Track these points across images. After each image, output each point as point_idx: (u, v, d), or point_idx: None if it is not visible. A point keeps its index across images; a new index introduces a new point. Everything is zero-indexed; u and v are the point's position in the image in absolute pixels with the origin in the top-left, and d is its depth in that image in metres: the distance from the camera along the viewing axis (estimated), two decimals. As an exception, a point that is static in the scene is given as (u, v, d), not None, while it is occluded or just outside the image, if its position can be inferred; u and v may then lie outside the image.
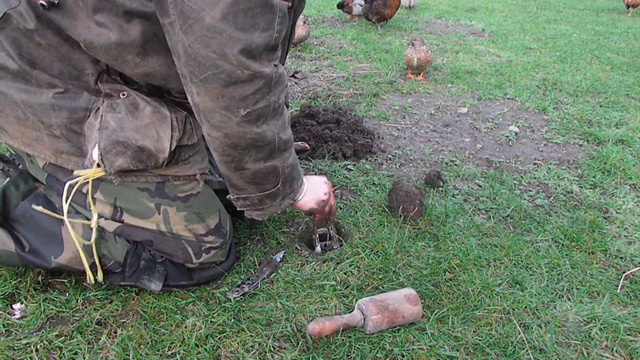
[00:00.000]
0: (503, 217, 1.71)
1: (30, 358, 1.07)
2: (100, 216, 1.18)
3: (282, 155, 1.15)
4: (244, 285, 1.29)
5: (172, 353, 1.10)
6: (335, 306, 1.25)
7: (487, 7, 6.14)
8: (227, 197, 1.25)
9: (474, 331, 1.20)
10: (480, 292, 1.32)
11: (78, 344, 1.11)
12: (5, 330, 1.14)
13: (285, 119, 1.13)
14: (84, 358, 1.08)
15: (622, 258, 1.52)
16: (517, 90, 3.02)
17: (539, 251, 1.53)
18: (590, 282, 1.40)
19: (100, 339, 1.13)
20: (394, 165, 2.05)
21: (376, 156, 2.10)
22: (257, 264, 1.39)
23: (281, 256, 1.41)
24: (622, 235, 1.64)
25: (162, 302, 1.23)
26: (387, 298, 1.19)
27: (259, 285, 1.31)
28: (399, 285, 1.33)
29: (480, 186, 1.91)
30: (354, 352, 1.12)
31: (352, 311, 1.21)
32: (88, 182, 1.13)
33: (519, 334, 1.20)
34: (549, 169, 2.07)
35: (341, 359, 1.11)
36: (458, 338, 1.18)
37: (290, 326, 1.19)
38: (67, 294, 1.24)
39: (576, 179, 2.00)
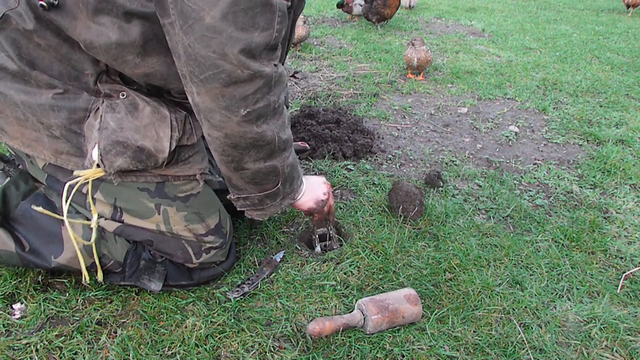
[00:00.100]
0: (503, 217, 1.71)
1: (30, 358, 1.07)
2: (100, 216, 1.18)
3: (282, 155, 1.15)
4: (244, 285, 1.29)
5: (172, 353, 1.10)
6: (335, 306, 1.25)
7: (487, 7, 6.14)
8: (227, 197, 1.25)
9: (474, 331, 1.20)
10: (480, 292, 1.32)
11: (78, 344, 1.11)
12: (5, 330, 1.14)
13: (285, 119, 1.13)
14: (84, 358, 1.08)
15: (622, 258, 1.52)
16: (517, 90, 3.02)
17: (539, 251, 1.53)
18: (590, 282, 1.40)
19: (100, 339, 1.13)
20: (394, 165, 2.05)
21: (376, 156, 2.10)
22: (257, 264, 1.39)
23: (281, 256, 1.41)
24: (622, 235, 1.64)
25: (162, 302, 1.23)
26: (387, 298, 1.19)
27: (259, 285, 1.31)
28: (399, 285, 1.33)
29: (480, 186, 1.91)
30: (354, 352, 1.12)
31: (352, 311, 1.21)
32: (88, 182, 1.13)
33: (519, 334, 1.20)
34: (549, 169, 2.07)
35: (341, 359, 1.11)
36: (458, 338, 1.18)
37: (290, 326, 1.19)
38: (67, 294, 1.25)
39: (576, 179, 2.00)
